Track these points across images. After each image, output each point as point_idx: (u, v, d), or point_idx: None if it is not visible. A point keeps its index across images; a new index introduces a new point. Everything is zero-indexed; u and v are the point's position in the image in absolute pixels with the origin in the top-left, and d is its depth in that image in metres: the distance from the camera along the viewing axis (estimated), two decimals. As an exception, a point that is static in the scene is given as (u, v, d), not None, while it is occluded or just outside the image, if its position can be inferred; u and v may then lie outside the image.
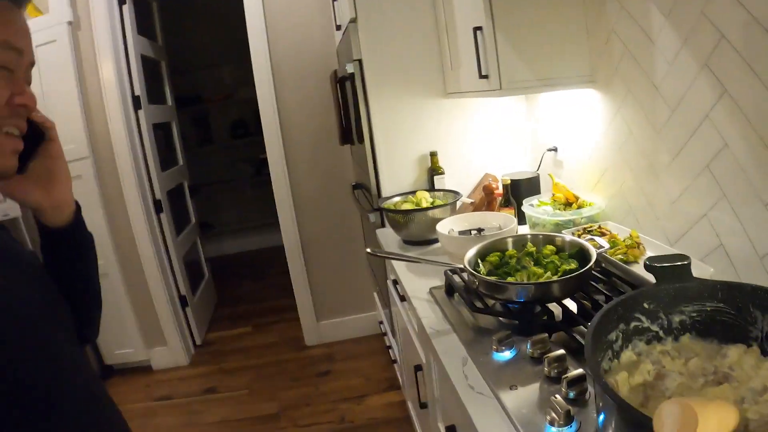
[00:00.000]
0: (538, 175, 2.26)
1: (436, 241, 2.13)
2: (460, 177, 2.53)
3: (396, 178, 2.48)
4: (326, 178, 3.35)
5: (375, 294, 3.41)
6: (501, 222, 1.98)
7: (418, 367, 1.77)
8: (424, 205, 2.19)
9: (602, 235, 1.70)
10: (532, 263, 1.51)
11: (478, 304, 1.43)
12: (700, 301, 0.98)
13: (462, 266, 1.59)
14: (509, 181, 2.10)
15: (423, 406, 1.79)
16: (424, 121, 2.44)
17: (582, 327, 1.28)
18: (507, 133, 2.52)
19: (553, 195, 2.01)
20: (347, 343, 3.53)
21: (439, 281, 1.71)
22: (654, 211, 1.68)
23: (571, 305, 1.38)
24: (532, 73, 1.80)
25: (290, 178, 3.30)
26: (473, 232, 1.84)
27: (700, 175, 1.45)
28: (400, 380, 2.79)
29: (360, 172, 2.90)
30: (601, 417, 0.79)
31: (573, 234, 1.71)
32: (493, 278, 1.43)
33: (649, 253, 1.59)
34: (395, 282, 2.08)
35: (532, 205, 2.03)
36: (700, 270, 1.31)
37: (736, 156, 1.31)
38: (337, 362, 3.35)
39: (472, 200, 2.45)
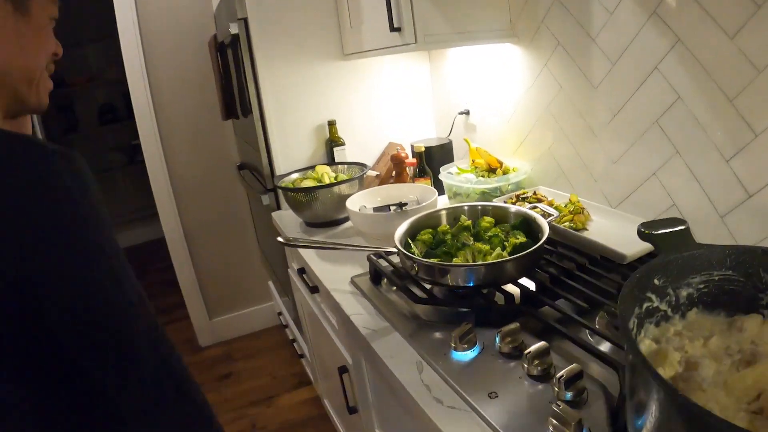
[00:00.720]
0: (451, 141, 2.01)
1: (344, 220, 1.82)
2: (362, 148, 2.23)
3: (291, 153, 2.13)
4: (209, 160, 2.90)
5: (270, 283, 3.05)
6: (418, 194, 1.70)
7: (342, 369, 1.46)
8: (327, 180, 1.87)
9: (538, 201, 1.47)
10: (472, 239, 1.25)
11: (419, 293, 1.15)
12: (708, 270, 0.79)
13: (387, 249, 1.30)
14: (423, 149, 1.83)
15: (352, 411, 1.49)
16: (320, 88, 2.10)
17: (549, 307, 1.04)
18: (411, 98, 2.25)
19: (473, 161, 1.77)
20: (246, 339, 3.14)
21: (360, 268, 1.41)
22: (591, 173, 1.48)
23: (527, 283, 1.13)
24: (450, 26, 1.54)
25: (167, 163, 2.82)
26: (393, 208, 1.55)
27: (648, 132, 1.28)
28: (311, 376, 2.48)
29: (247, 150, 2.51)
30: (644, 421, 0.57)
31: (506, 202, 1.47)
32: (434, 260, 1.15)
33: (596, 219, 1.38)
34: (302, 271, 1.75)
35: (450, 173, 1.77)
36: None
37: (690, 109, 1.16)
38: (238, 362, 2.96)
39: (378, 172, 2.16)
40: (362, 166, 1.97)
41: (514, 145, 1.77)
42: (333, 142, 2.13)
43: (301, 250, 1.64)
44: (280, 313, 2.87)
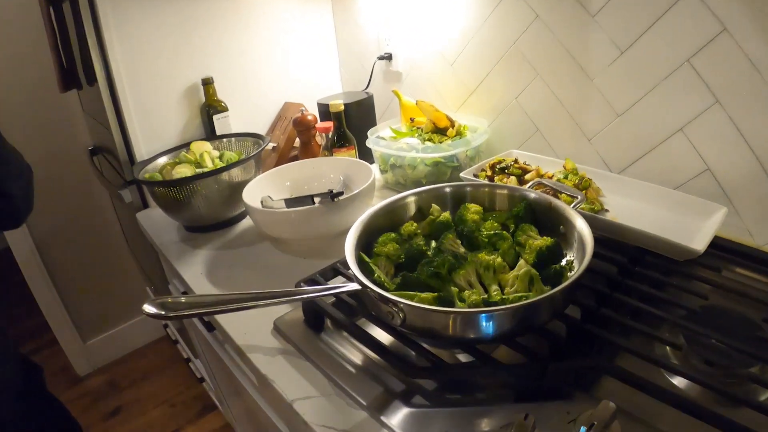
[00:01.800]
0: (371, 95, 1.49)
1: (240, 217, 1.27)
2: (252, 113, 1.65)
3: (154, 129, 1.49)
4: (53, 147, 2.13)
5: (149, 289, 2.39)
6: (343, 171, 1.19)
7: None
8: (208, 162, 1.29)
9: (524, 172, 1.02)
10: (462, 247, 0.77)
11: (419, 360, 0.66)
12: None
13: (322, 270, 0.80)
14: (342, 107, 1.30)
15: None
16: (188, 36, 1.46)
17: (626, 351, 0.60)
18: (309, 42, 1.68)
19: (412, 121, 1.27)
20: (130, 359, 2.48)
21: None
22: (582, 130, 1.06)
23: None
24: None
25: None
26: (317, 200, 1.02)
27: (675, 75, 0.91)
28: (215, 400, 1.92)
29: (98, 130, 1.81)
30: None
31: (477, 177, 1.01)
32: (427, 300, 0.66)
33: (607, 195, 0.96)
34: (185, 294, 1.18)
35: (382, 138, 1.26)
36: (705, 210, 0.87)
37: (739, 42, 0.82)
38: (125, 391, 2.31)
39: (274, 144, 1.60)
40: (257, 138, 1.41)
41: (459, 96, 1.30)
42: (211, 107, 1.53)
43: (191, 262, 1.08)
44: (166, 325, 2.25)
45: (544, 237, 0.76)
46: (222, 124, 1.57)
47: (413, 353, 0.68)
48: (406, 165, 1.17)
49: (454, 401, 0.63)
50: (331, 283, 0.85)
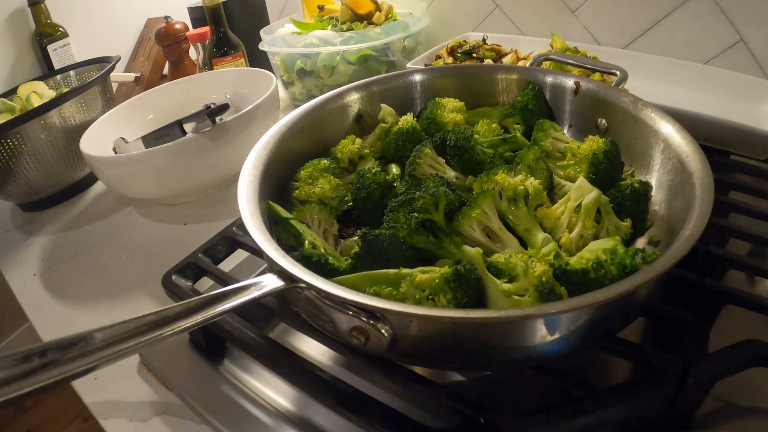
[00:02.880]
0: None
1: (90, 181, 0.84)
2: (102, 39, 1.18)
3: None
4: None
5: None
6: (231, 89, 0.80)
7: None
8: (37, 105, 0.84)
9: (501, 56, 0.68)
10: (448, 168, 0.43)
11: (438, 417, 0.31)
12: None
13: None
14: (220, 1, 0.87)
15: None
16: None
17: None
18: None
19: (321, 10, 0.88)
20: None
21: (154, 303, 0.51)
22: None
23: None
24: None
25: None
26: (189, 127, 0.62)
27: None
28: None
29: None
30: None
31: (428, 65, 0.65)
32: (454, 311, 0.30)
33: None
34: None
35: (282, 38, 0.86)
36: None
37: None
38: (30, 412, 1.86)
39: (138, 74, 1.16)
40: (103, 61, 0.96)
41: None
42: (45, 36, 1.05)
43: (21, 260, 0.67)
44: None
45: (589, 137, 0.42)
46: (61, 55, 1.10)
47: (405, 386, 0.33)
48: (319, 68, 0.79)
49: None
50: (227, 266, 0.48)
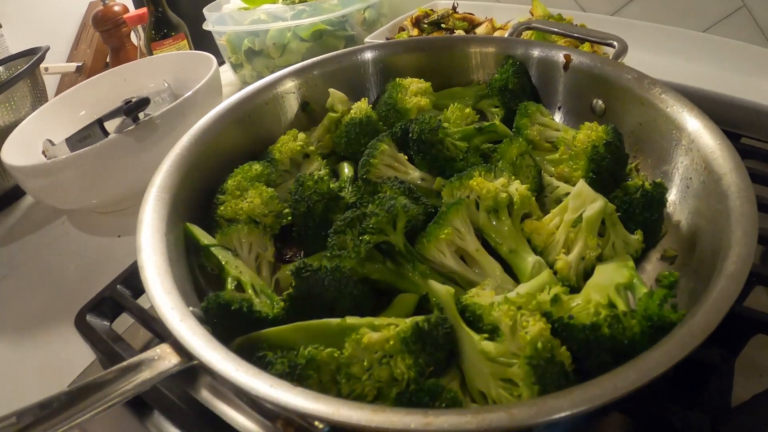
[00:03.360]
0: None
1: (21, 191, 0.74)
2: (39, 28, 1.08)
3: None
4: None
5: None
6: (171, 75, 0.70)
7: None
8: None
9: (475, 26, 0.58)
10: (411, 168, 0.34)
11: None
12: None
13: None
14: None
15: None
16: None
17: None
18: None
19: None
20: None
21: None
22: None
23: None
24: None
25: None
26: (111, 126, 0.53)
27: None
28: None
29: None
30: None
31: (389, 39, 0.56)
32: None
33: (609, 49, 0.55)
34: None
35: (227, 16, 0.76)
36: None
37: None
38: None
39: (80, 63, 1.06)
40: (32, 53, 0.85)
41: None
42: None
43: None
44: None
45: (586, 124, 0.34)
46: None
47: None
48: (270, 47, 0.69)
49: None
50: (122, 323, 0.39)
